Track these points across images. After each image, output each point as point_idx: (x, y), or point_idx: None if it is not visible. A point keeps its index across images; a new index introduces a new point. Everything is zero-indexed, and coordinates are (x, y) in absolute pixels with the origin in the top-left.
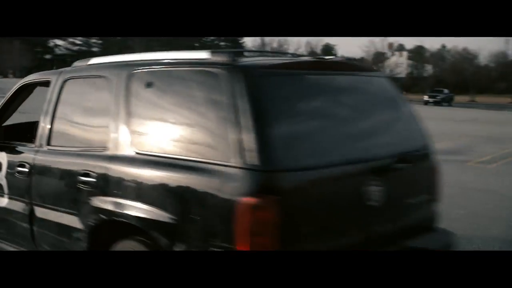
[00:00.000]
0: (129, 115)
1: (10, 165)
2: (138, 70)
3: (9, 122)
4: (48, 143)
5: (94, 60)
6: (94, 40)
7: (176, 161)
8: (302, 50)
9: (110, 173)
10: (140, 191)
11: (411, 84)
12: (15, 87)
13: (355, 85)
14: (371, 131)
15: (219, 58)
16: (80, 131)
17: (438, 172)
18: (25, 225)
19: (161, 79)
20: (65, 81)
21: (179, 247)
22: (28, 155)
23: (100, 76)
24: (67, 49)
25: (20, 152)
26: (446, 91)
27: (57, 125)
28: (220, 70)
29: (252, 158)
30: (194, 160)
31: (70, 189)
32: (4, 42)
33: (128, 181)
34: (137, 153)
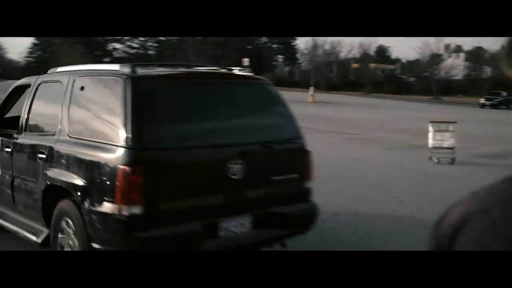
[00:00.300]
0: (68, 109)
1: (1, 147)
2: (77, 77)
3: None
4: (24, 130)
5: (60, 69)
6: (150, 43)
7: (89, 142)
8: (355, 52)
9: (53, 151)
10: (67, 163)
11: (468, 86)
12: (10, 88)
13: (228, 89)
14: (237, 125)
15: (123, 70)
16: (43, 121)
17: (308, 157)
18: (9, 191)
19: (89, 84)
20: (39, 84)
21: (87, 203)
22: (11, 139)
23: (58, 81)
24: (124, 52)
25: (8, 136)
26: (504, 93)
27: (31, 117)
28: (120, 78)
29: (129, 140)
30: (99, 142)
31: (33, 162)
32: (66, 46)
33: (61, 156)
34: (69, 136)
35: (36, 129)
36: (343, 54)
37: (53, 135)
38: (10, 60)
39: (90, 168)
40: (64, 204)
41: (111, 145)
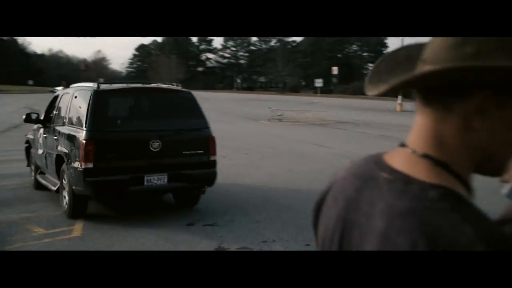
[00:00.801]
0: (68, 109)
1: (42, 134)
2: (75, 90)
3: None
4: (52, 123)
5: (73, 85)
6: (241, 53)
7: (73, 128)
8: None
9: (60, 134)
10: (63, 142)
11: None
12: (52, 97)
13: (155, 97)
14: (159, 118)
15: (93, 86)
16: (60, 117)
17: (212, 140)
18: (44, 161)
19: (79, 94)
20: (62, 95)
21: (69, 163)
22: (45, 129)
23: (68, 93)
24: (217, 61)
25: (45, 127)
26: None
27: (55, 114)
28: (90, 91)
29: (87, 126)
30: (77, 128)
31: (53, 142)
32: (163, 57)
33: (62, 137)
34: (66, 125)
35: (56, 122)
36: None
37: (62, 125)
38: (113, 70)
39: (71, 143)
40: (63, 166)
41: (81, 129)
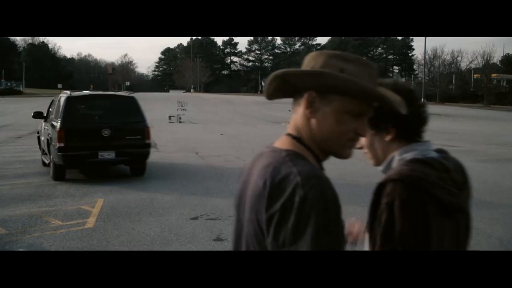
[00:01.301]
0: (55, 109)
1: (43, 126)
2: (61, 96)
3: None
4: (49, 118)
5: (63, 92)
6: (265, 57)
7: (54, 120)
8: (478, 61)
9: (51, 126)
10: (51, 130)
11: None
12: (53, 100)
13: (108, 101)
14: (110, 115)
15: (68, 93)
16: (52, 113)
17: (147, 129)
18: (44, 144)
19: (61, 99)
20: (58, 98)
21: (51, 143)
22: (47, 122)
23: (57, 96)
24: (241, 65)
25: (46, 121)
26: None
27: (50, 113)
28: (65, 96)
29: (61, 119)
30: (56, 120)
31: (48, 131)
32: (187, 60)
33: (51, 127)
34: (52, 119)
35: (50, 117)
36: (464, 64)
37: (51, 119)
38: (140, 74)
39: (53, 130)
40: (50, 146)
41: (58, 121)
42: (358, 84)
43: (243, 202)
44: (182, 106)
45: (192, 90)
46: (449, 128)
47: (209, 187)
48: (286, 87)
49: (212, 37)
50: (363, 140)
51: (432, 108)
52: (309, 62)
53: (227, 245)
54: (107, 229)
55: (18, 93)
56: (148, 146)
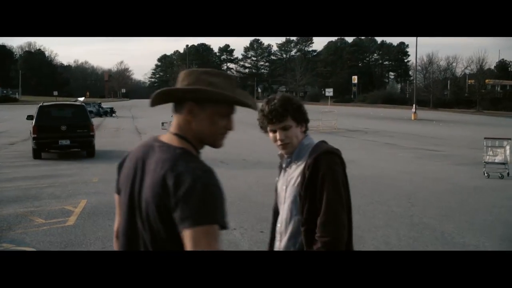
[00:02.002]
0: (35, 113)
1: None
2: (39, 104)
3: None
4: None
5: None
6: (261, 63)
7: (32, 121)
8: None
9: (31, 126)
10: (31, 126)
11: None
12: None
13: (68, 108)
14: (68, 118)
15: (41, 103)
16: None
17: (91, 125)
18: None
19: (38, 106)
20: (36, 107)
21: (30, 136)
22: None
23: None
24: (237, 71)
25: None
26: None
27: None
28: (39, 106)
29: (35, 120)
30: (32, 121)
31: (30, 129)
32: (183, 67)
33: (32, 124)
34: (33, 120)
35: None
36: (459, 70)
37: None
38: (137, 81)
39: (31, 127)
40: (30, 137)
41: (34, 121)
42: (223, 94)
43: (135, 183)
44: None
45: None
46: (438, 134)
47: None
48: (168, 98)
49: (208, 44)
50: (286, 134)
51: (425, 114)
52: (183, 79)
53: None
54: (86, 226)
55: (14, 100)
56: (92, 136)
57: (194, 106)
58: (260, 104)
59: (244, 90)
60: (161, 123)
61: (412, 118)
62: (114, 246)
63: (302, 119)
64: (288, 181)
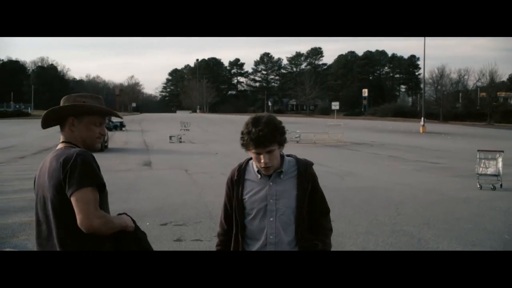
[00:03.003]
0: None
1: None
2: None
3: None
4: None
5: None
6: (272, 77)
7: None
8: (484, 80)
9: None
10: None
11: None
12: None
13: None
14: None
15: None
16: None
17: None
18: None
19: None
20: None
21: None
22: None
23: None
24: (248, 85)
25: None
26: None
27: None
28: None
29: None
30: None
31: None
32: (193, 81)
33: None
34: None
35: None
36: (471, 83)
37: None
38: (148, 95)
39: None
40: None
41: None
42: (93, 106)
43: (41, 180)
44: (185, 126)
45: (198, 111)
46: (443, 147)
47: (186, 199)
48: (55, 117)
49: (219, 58)
50: (270, 158)
51: (434, 127)
52: (64, 102)
53: (184, 244)
54: None
55: (26, 115)
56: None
57: (73, 120)
58: (245, 123)
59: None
60: (169, 137)
61: (421, 131)
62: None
63: (283, 141)
64: (280, 194)
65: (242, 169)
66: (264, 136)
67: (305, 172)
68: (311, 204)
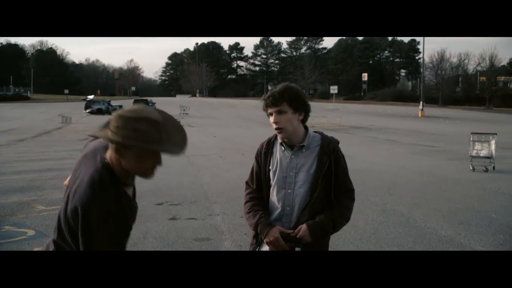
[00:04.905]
0: None
1: None
2: None
3: None
4: None
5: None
6: (271, 61)
7: None
8: (485, 64)
9: None
10: None
11: None
12: None
13: None
14: None
15: None
16: None
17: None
18: None
19: None
20: None
21: None
22: None
23: None
24: (248, 69)
25: None
26: None
27: None
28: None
29: None
30: None
31: None
32: (193, 65)
33: None
34: None
35: None
36: (471, 67)
37: None
38: (148, 79)
39: None
40: None
41: None
42: (144, 145)
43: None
44: (184, 110)
45: (197, 95)
46: (441, 130)
47: (182, 180)
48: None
49: (218, 42)
50: (280, 118)
51: (433, 111)
52: (113, 123)
53: (179, 223)
54: None
55: (25, 98)
56: None
57: (121, 147)
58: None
59: (177, 126)
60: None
61: (419, 115)
62: None
63: (299, 108)
64: (299, 167)
65: (270, 142)
66: (273, 94)
67: (327, 148)
68: (330, 179)
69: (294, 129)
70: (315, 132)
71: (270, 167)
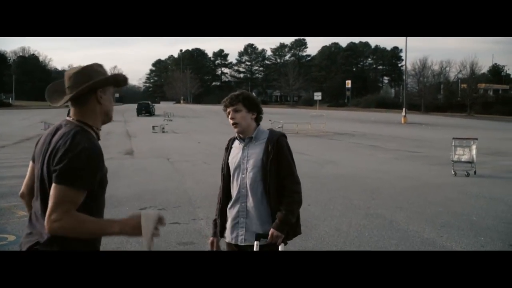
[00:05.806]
0: None
1: None
2: None
3: None
4: None
5: None
6: (256, 68)
7: None
8: (466, 72)
9: None
10: None
11: None
12: None
13: None
14: None
15: None
16: None
17: None
18: None
19: None
20: None
21: None
22: None
23: None
24: (232, 76)
25: None
26: None
27: None
28: None
29: None
30: None
31: None
32: (177, 71)
33: None
34: None
35: None
36: (452, 75)
37: None
38: (132, 86)
39: None
40: None
41: None
42: (121, 75)
43: (45, 153)
44: (168, 117)
45: (182, 101)
46: (423, 136)
47: (166, 186)
48: (85, 91)
49: (203, 49)
50: (235, 115)
51: (416, 118)
52: (85, 74)
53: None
54: None
55: (7, 105)
56: None
57: (101, 93)
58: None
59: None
60: (152, 127)
61: (402, 121)
62: (23, 202)
63: (252, 108)
64: (250, 155)
65: (231, 139)
66: (231, 97)
67: (272, 139)
68: (275, 166)
69: (247, 125)
70: (267, 129)
71: (230, 159)
